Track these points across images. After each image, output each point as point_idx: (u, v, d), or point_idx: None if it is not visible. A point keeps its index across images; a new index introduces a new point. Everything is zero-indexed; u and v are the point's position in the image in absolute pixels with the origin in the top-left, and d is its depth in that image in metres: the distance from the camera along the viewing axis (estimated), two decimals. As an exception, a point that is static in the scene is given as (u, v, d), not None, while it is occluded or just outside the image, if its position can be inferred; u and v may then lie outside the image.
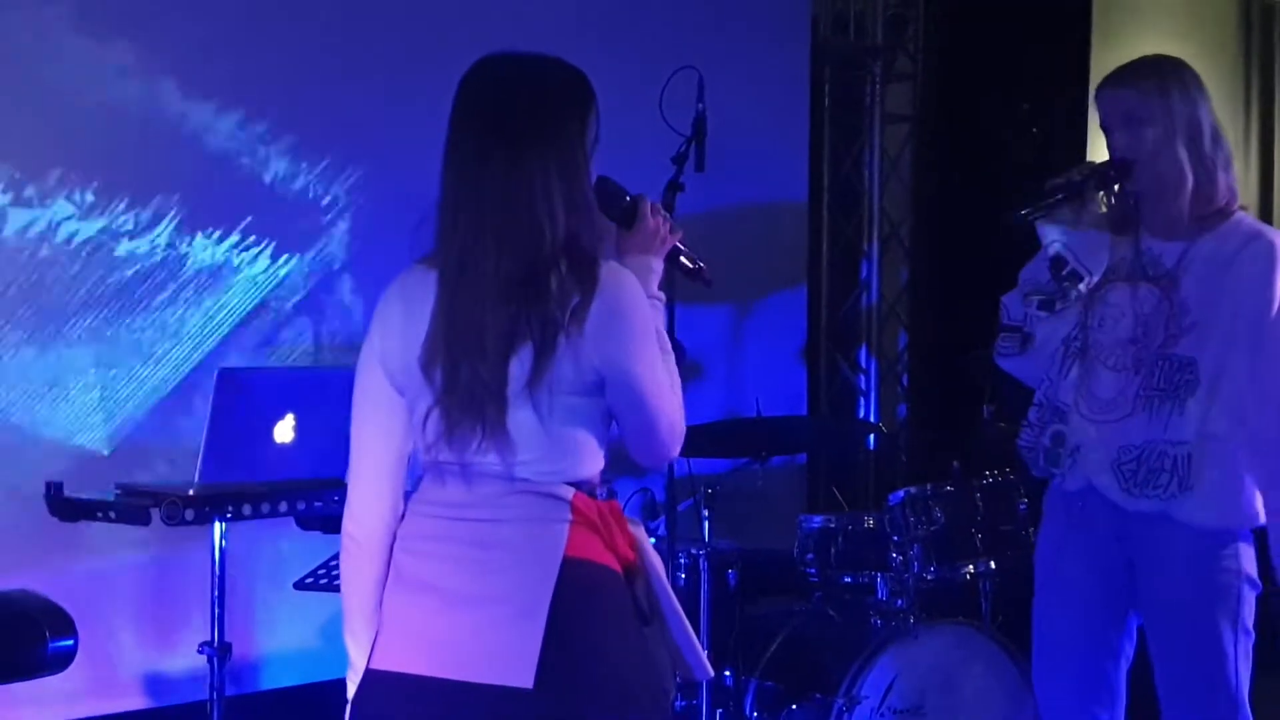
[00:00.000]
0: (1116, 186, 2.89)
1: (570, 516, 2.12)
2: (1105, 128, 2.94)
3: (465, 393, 2.09)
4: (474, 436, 2.10)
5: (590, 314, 2.07)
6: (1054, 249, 2.87)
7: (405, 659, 2.14)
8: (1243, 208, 2.95)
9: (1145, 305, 2.90)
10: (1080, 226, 2.87)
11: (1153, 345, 2.89)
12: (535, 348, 2.07)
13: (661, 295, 2.30)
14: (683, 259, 2.43)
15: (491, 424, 2.08)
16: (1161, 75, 2.91)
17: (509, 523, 2.12)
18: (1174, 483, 2.85)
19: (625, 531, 2.19)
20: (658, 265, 2.31)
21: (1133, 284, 2.92)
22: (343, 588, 2.26)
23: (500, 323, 2.07)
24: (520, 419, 2.09)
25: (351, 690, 2.24)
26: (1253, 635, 2.91)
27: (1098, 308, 2.94)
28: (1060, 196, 2.85)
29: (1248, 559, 2.89)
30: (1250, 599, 2.90)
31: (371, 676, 2.18)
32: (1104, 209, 2.88)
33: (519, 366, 2.08)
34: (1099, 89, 2.97)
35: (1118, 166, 2.89)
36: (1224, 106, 6.59)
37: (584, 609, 2.09)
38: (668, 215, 2.36)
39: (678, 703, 4.05)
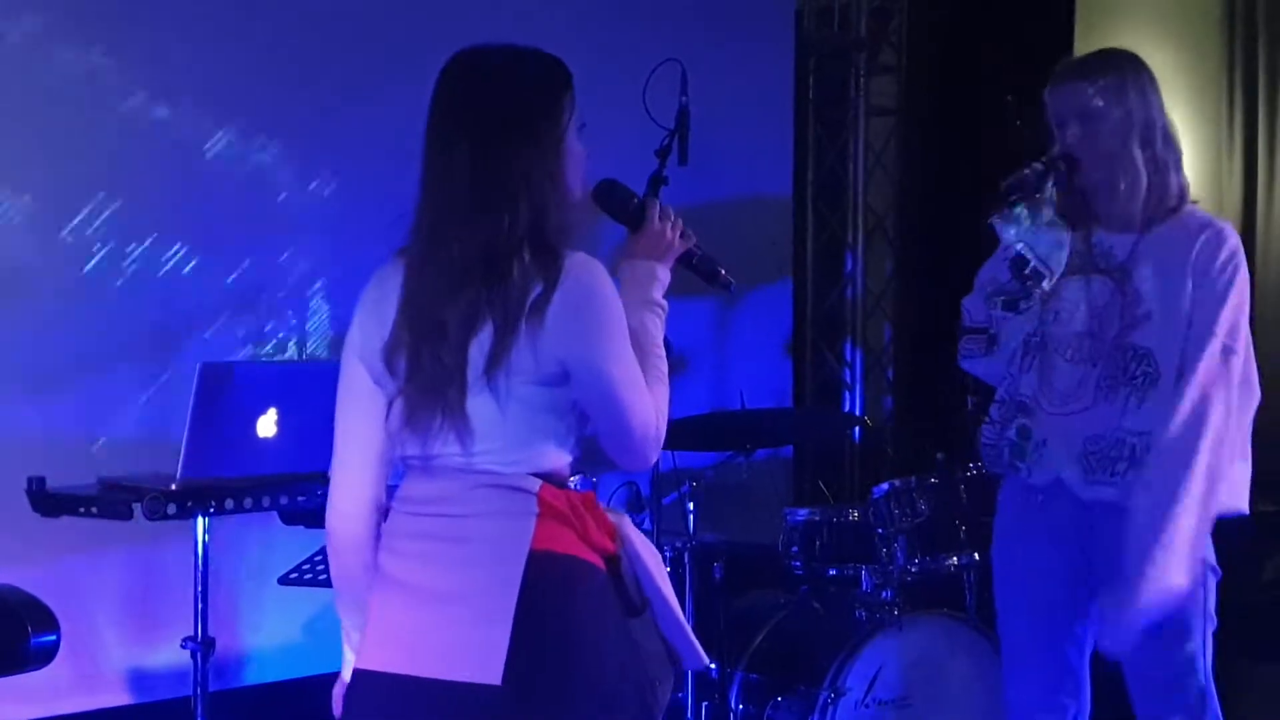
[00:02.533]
0: (1066, 180, 2.89)
1: (537, 509, 2.10)
2: (1058, 121, 2.93)
3: (426, 377, 2.09)
4: (433, 420, 2.09)
5: (552, 304, 2.06)
6: (1015, 249, 2.87)
7: (384, 658, 2.14)
8: (1194, 201, 2.96)
9: (1099, 298, 2.92)
10: (1038, 222, 2.87)
11: (1108, 336, 2.90)
12: (495, 332, 2.06)
13: (664, 303, 2.28)
14: (697, 263, 2.40)
15: (451, 407, 2.08)
16: (1120, 72, 2.91)
17: (474, 517, 2.11)
18: (1130, 470, 2.86)
19: (602, 521, 2.18)
20: (663, 273, 2.29)
21: (1085, 276, 2.93)
22: (334, 584, 2.27)
23: (460, 306, 2.07)
24: (478, 405, 2.08)
25: (347, 674, 2.25)
26: (1215, 621, 2.93)
27: (1052, 302, 2.94)
28: (1018, 195, 2.85)
29: (1209, 547, 2.90)
30: (1213, 586, 2.92)
31: (356, 676, 2.19)
32: (1057, 203, 2.89)
33: (478, 350, 2.07)
34: (1054, 82, 2.96)
35: (1066, 161, 2.88)
36: (1206, 103, 6.62)
37: (556, 603, 2.08)
38: (679, 220, 2.34)
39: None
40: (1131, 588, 2.74)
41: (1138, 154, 2.88)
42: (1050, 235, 2.87)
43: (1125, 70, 2.92)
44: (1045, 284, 2.87)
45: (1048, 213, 2.87)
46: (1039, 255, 2.86)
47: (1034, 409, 2.96)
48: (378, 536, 2.22)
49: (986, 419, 3.07)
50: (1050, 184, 2.87)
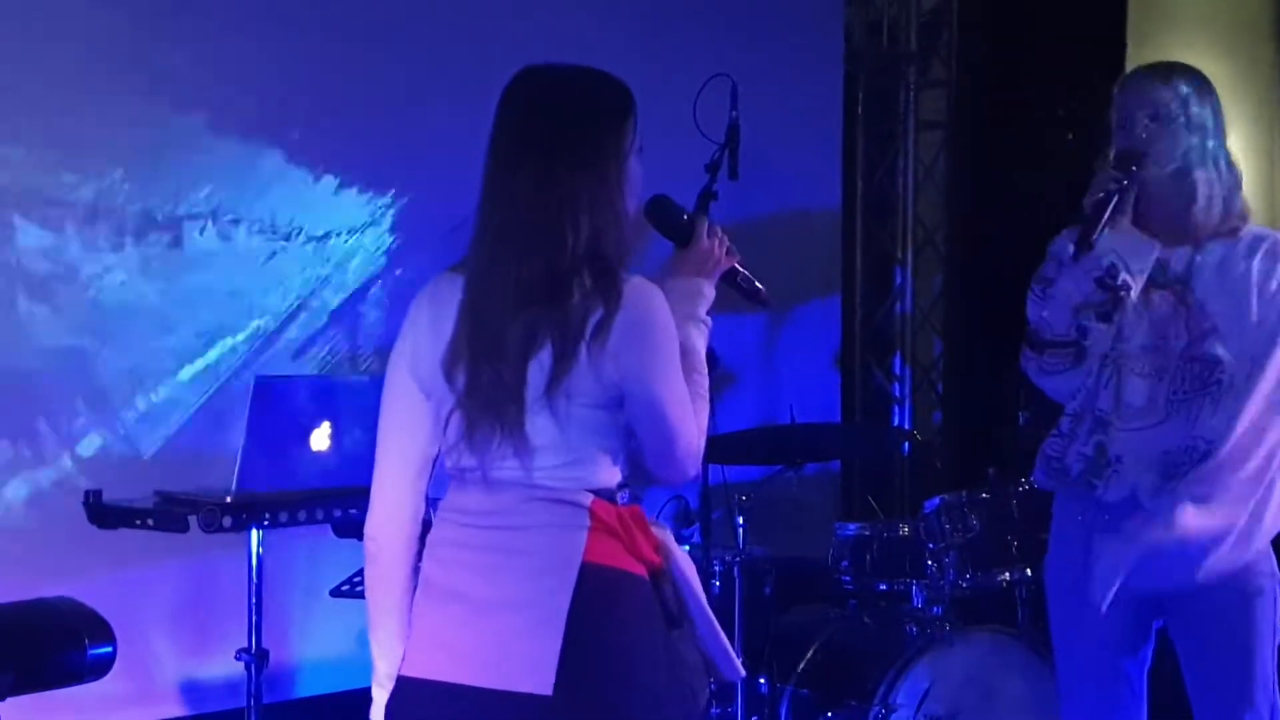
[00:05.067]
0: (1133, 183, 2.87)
1: (589, 523, 2.12)
2: (1126, 119, 2.89)
3: (486, 394, 2.11)
4: (493, 438, 2.11)
5: (614, 328, 2.08)
6: (1107, 259, 2.84)
7: (433, 666, 2.15)
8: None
9: (1159, 311, 2.89)
10: (1120, 231, 2.86)
11: (1175, 349, 2.88)
12: (555, 354, 2.08)
13: (708, 320, 2.29)
14: (740, 280, 2.42)
15: (510, 425, 2.10)
16: (1199, 84, 2.90)
17: (527, 530, 2.13)
18: (1192, 473, 2.84)
19: (648, 535, 2.19)
20: (709, 289, 2.31)
21: (1144, 291, 2.90)
22: (367, 592, 2.28)
23: (520, 326, 2.09)
24: (539, 424, 2.10)
25: (377, 695, 2.26)
26: None
27: (1115, 318, 2.92)
28: (1108, 213, 2.83)
29: (1273, 558, 2.91)
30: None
31: (402, 684, 2.20)
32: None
33: (538, 370, 2.09)
34: (1124, 82, 2.94)
35: (1130, 156, 2.85)
36: (1258, 115, 6.57)
37: (605, 614, 2.10)
38: (725, 237, 2.35)
39: (713, 710, 4.05)
40: None
41: (1211, 172, 2.87)
42: (1135, 242, 2.85)
43: (1203, 84, 2.91)
44: (1133, 294, 2.85)
45: (1126, 221, 2.86)
46: (1127, 264, 2.84)
47: (1111, 425, 2.92)
48: (415, 546, 2.23)
49: (1055, 431, 3.02)
50: (1131, 193, 2.84)
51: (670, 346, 2.14)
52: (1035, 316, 2.98)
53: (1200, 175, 2.86)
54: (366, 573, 2.28)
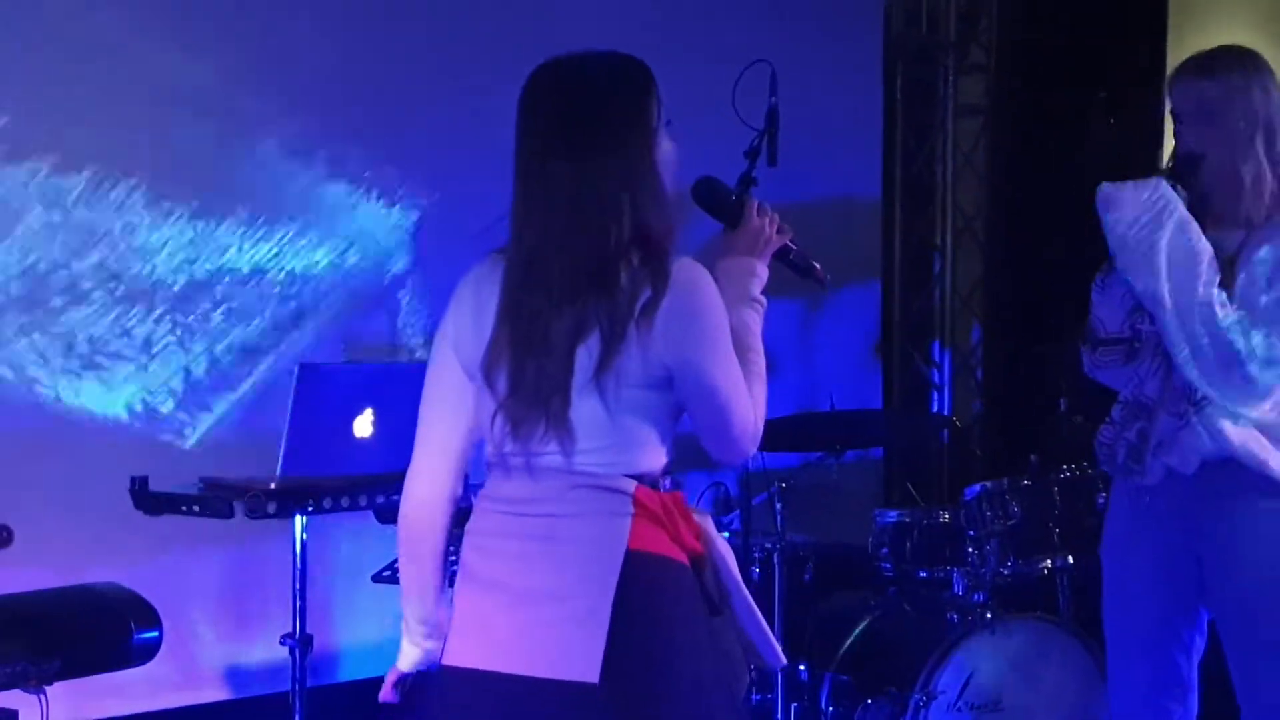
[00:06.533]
0: (1190, 179, 2.86)
1: (632, 510, 2.12)
2: (1177, 116, 2.92)
3: (531, 389, 2.10)
4: (538, 429, 2.11)
5: (661, 309, 2.08)
6: None
7: (476, 655, 2.16)
8: None
9: None
10: None
11: None
12: (603, 338, 2.07)
13: (763, 299, 2.29)
14: (794, 258, 2.41)
15: (555, 416, 2.10)
16: (1243, 69, 2.88)
17: (571, 517, 2.12)
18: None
19: (690, 522, 2.19)
20: (761, 269, 2.30)
21: None
22: (400, 568, 2.29)
23: (567, 317, 2.08)
24: (585, 409, 2.10)
25: (402, 664, 2.28)
26: None
27: None
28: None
29: None
30: None
31: (444, 673, 2.21)
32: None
33: (586, 357, 2.08)
34: (1175, 77, 2.94)
35: (1186, 160, 2.86)
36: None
37: (650, 602, 2.09)
38: (775, 215, 2.35)
39: (753, 697, 4.06)
40: None
41: (1260, 151, 2.85)
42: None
43: (1248, 67, 2.89)
44: None
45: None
46: None
47: (1155, 411, 2.93)
48: (447, 527, 2.24)
49: (1108, 419, 3.04)
50: (1178, 188, 2.84)
51: (720, 326, 2.13)
52: (1093, 310, 2.99)
53: (1253, 163, 2.85)
54: (400, 553, 2.29)
